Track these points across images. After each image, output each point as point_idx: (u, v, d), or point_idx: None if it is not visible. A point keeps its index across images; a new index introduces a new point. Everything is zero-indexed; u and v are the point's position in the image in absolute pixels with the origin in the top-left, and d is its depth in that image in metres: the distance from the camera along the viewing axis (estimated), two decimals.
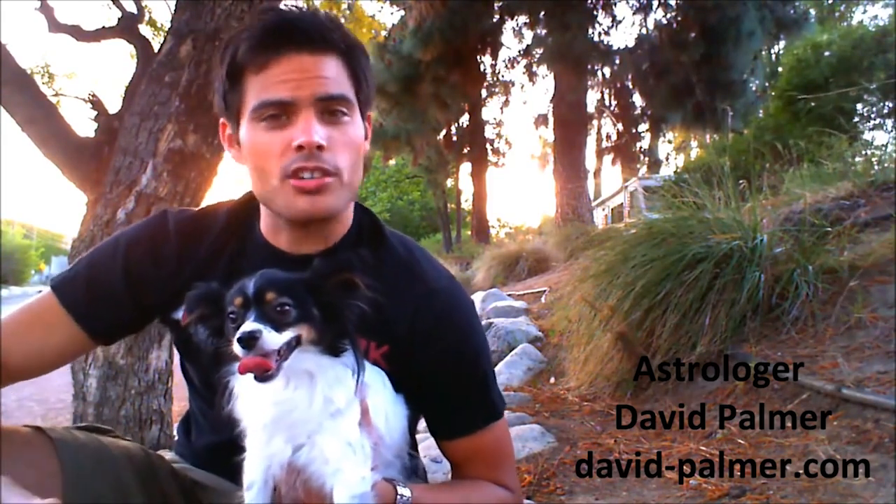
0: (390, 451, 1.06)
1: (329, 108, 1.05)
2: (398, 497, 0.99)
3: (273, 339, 0.84)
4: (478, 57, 16.98)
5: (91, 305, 1.15)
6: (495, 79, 20.47)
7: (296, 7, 1.16)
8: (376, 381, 1.06)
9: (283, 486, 0.94)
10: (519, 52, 17.28)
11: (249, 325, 0.84)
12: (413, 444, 1.21)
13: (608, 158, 18.54)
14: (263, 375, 0.84)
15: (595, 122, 18.62)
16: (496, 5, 14.26)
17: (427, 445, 1.87)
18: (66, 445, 1.04)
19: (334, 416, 0.92)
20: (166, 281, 1.15)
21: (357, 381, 0.92)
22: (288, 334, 0.87)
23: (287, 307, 0.88)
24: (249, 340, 0.82)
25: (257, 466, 0.95)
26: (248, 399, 0.93)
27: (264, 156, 1.06)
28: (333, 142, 1.05)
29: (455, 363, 1.15)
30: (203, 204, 2.30)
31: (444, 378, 1.15)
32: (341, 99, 1.06)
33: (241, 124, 1.10)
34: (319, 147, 1.03)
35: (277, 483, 0.95)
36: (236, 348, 0.83)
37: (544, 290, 6.92)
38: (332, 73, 1.06)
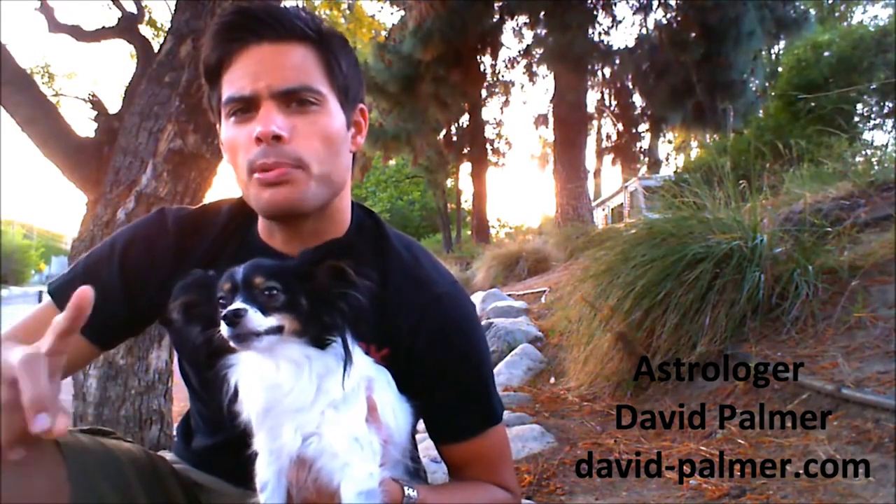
0: (397, 449, 1.05)
1: (293, 99, 1.03)
2: (405, 497, 0.98)
3: (258, 319, 0.85)
4: (478, 57, 16.94)
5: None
6: (495, 79, 20.45)
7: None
8: (381, 378, 1.05)
9: (293, 485, 0.94)
10: (519, 52, 17.28)
11: (236, 304, 0.85)
12: (414, 446, 1.21)
13: (608, 158, 18.51)
14: (241, 335, 0.84)
15: (595, 122, 18.62)
16: (496, 5, 14.24)
17: (427, 446, 1.87)
18: (72, 448, 1.03)
19: (336, 408, 0.91)
20: (164, 279, 1.13)
21: (344, 371, 0.91)
22: (273, 320, 0.87)
23: (275, 291, 0.88)
24: (234, 318, 0.83)
25: (268, 464, 0.95)
26: (245, 387, 0.94)
27: (234, 151, 1.06)
28: (297, 132, 1.02)
29: (457, 369, 1.15)
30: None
31: (446, 383, 1.14)
32: (303, 90, 1.03)
33: (221, 123, 1.10)
34: (278, 138, 1.00)
35: (289, 481, 0.94)
36: (222, 327, 0.85)
37: (544, 290, 6.91)
38: (296, 63, 1.04)
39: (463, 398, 1.17)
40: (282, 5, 1.13)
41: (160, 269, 1.15)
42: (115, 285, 1.14)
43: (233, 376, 0.95)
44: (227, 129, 1.07)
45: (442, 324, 1.13)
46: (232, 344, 0.87)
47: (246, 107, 1.03)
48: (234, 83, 1.04)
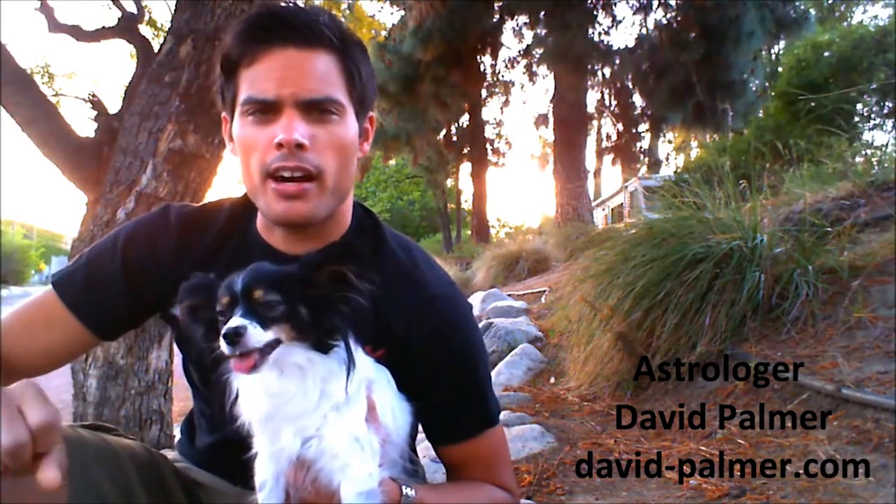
0: (395, 449, 1.05)
1: (315, 108, 1.03)
2: (403, 497, 0.98)
3: (258, 335, 0.84)
4: (478, 57, 16.99)
5: (90, 300, 1.15)
6: (495, 79, 20.49)
7: (292, 3, 1.15)
8: (381, 378, 1.05)
9: (292, 486, 0.94)
10: (519, 52, 17.32)
11: (235, 321, 0.84)
12: (413, 447, 1.21)
13: (608, 158, 18.54)
14: (242, 354, 0.85)
15: (595, 122, 18.64)
16: (496, 5, 14.26)
17: (426, 446, 1.87)
18: (72, 443, 1.04)
19: (338, 410, 0.91)
20: (164, 273, 1.15)
21: (348, 374, 0.91)
22: (272, 333, 0.87)
23: (275, 303, 0.88)
24: (234, 336, 0.82)
25: (268, 465, 0.95)
26: (246, 394, 0.94)
27: (249, 151, 1.06)
28: (317, 141, 1.03)
29: (453, 370, 1.15)
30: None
31: (442, 385, 1.14)
32: (326, 101, 1.04)
33: (234, 118, 1.10)
34: (300, 146, 1.01)
35: (287, 481, 0.95)
36: (222, 345, 0.84)
37: (544, 290, 6.92)
38: (320, 71, 1.04)
39: (459, 400, 1.16)
40: (304, 7, 1.12)
41: (161, 263, 1.16)
42: (117, 277, 1.16)
43: (235, 381, 0.95)
44: (244, 128, 1.07)
45: (437, 325, 1.13)
46: (233, 368, 0.87)
47: (266, 108, 1.03)
48: (256, 84, 1.03)
